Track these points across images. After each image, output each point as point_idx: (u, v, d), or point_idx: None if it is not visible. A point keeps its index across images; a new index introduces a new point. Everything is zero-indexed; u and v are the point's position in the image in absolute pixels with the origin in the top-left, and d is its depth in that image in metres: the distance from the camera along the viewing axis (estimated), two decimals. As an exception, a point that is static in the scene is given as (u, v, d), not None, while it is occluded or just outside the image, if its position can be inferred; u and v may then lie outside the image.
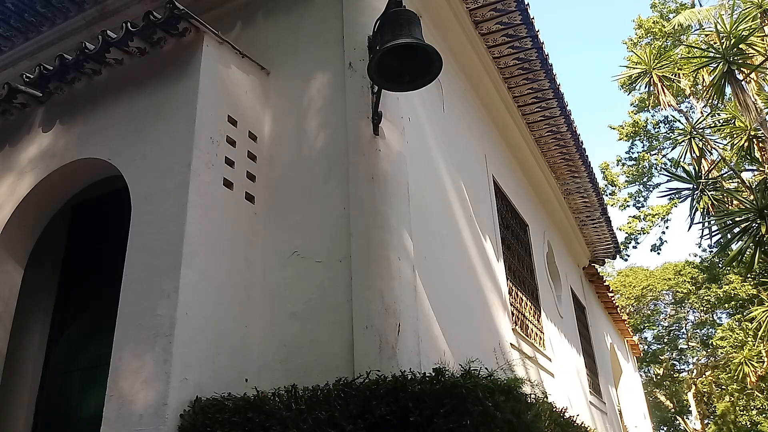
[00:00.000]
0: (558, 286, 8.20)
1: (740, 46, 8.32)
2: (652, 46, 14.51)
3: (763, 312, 10.10)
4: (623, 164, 21.95)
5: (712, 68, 8.81)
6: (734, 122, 9.41)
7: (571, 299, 9.00)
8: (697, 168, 9.08)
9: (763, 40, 9.03)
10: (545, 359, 6.16)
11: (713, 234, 8.10)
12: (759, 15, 9.00)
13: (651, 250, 22.04)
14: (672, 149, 18.86)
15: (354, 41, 3.95)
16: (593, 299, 11.35)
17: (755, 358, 15.46)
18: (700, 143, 9.33)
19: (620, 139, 21.13)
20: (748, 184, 9.41)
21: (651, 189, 21.55)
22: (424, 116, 4.51)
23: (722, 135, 9.80)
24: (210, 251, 3.36)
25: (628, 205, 21.96)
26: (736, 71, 8.51)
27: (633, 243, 21.65)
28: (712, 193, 8.74)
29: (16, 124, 4.40)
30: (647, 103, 18.22)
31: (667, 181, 12.64)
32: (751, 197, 7.61)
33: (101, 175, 4.09)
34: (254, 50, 4.26)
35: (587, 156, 8.07)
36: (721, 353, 20.31)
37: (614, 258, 12.02)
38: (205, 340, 3.16)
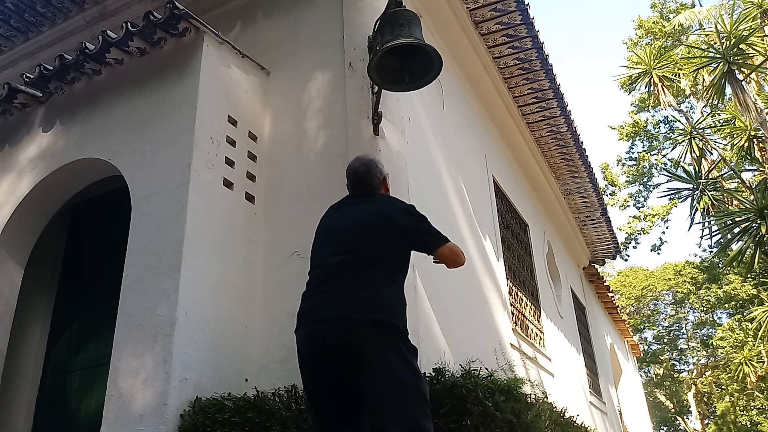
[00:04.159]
0: (558, 286, 8.20)
1: (740, 46, 8.30)
2: (652, 46, 14.50)
3: (763, 312, 10.09)
4: (623, 164, 21.93)
5: (712, 68, 8.79)
6: (734, 122, 9.39)
7: (571, 299, 9.00)
8: (697, 168, 9.06)
9: (763, 40, 9.01)
10: (545, 359, 6.16)
11: (713, 234, 8.08)
12: (759, 15, 8.98)
13: (651, 251, 22.04)
14: (672, 149, 18.83)
15: (354, 41, 3.95)
16: (593, 299, 11.35)
17: (755, 358, 15.44)
18: (700, 143, 9.31)
19: (620, 139, 21.10)
20: (748, 184, 9.39)
21: (651, 189, 21.52)
22: (424, 116, 4.51)
23: (722, 135, 9.78)
24: (210, 251, 3.36)
25: (628, 205, 21.94)
26: (736, 71, 8.50)
27: (633, 243, 21.64)
28: (712, 193, 8.73)
29: (16, 124, 4.40)
30: (647, 103, 18.20)
31: (667, 181, 12.62)
32: (751, 197, 7.60)
33: (101, 175, 4.09)
34: (254, 50, 4.26)
35: (587, 156, 8.07)
36: (721, 353, 20.29)
37: (614, 258, 12.02)
38: (205, 340, 3.17)
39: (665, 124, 20.40)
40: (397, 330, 2.19)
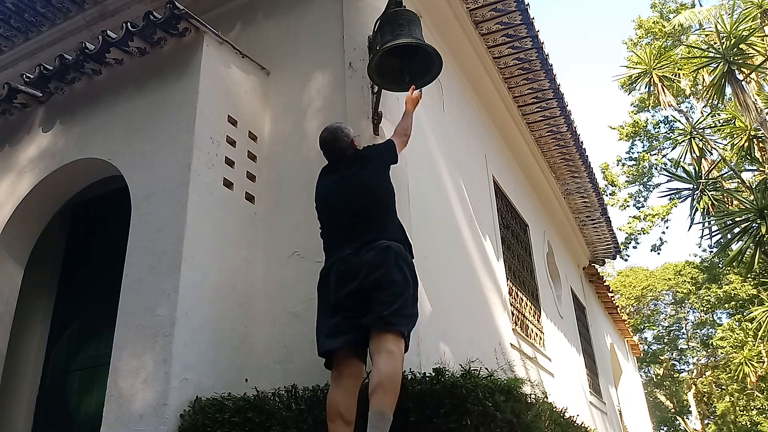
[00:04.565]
0: (558, 286, 8.20)
1: (740, 46, 8.30)
2: (652, 46, 14.50)
3: (763, 312, 10.08)
4: (623, 164, 21.93)
5: (712, 68, 8.79)
6: (734, 122, 9.38)
7: (571, 299, 9.00)
8: (697, 168, 9.06)
9: (763, 40, 9.01)
10: (545, 359, 6.16)
11: (713, 234, 8.08)
12: (759, 15, 8.99)
13: (651, 251, 22.06)
14: (672, 149, 18.84)
15: (354, 41, 3.95)
16: (593, 299, 11.35)
17: (755, 358, 15.43)
18: (700, 143, 9.31)
19: (620, 139, 21.12)
20: (748, 184, 9.38)
21: (651, 189, 21.53)
22: (424, 116, 4.51)
23: (722, 135, 9.78)
24: (210, 251, 3.36)
25: (628, 205, 21.94)
26: (736, 71, 8.50)
27: (633, 243, 21.65)
28: (712, 193, 8.72)
29: (16, 124, 4.40)
30: (647, 103, 18.21)
31: (667, 181, 12.58)
32: (751, 197, 7.58)
33: (101, 175, 4.09)
34: (254, 50, 4.26)
35: (587, 156, 8.07)
36: (721, 353, 20.28)
37: (614, 258, 12.02)
38: (205, 340, 3.16)
39: (665, 124, 20.42)
40: (402, 250, 2.72)
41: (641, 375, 21.65)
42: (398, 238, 2.79)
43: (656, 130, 20.82)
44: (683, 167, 9.38)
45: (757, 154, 9.19)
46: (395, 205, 2.93)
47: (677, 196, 9.06)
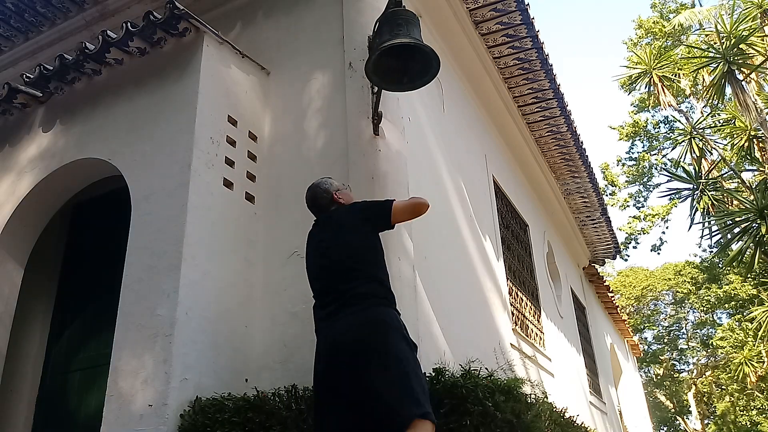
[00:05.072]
0: (558, 286, 8.20)
1: (740, 46, 8.30)
2: (652, 46, 14.49)
3: (763, 312, 10.08)
4: (623, 164, 21.93)
5: (712, 68, 8.79)
6: (734, 122, 9.39)
7: (571, 299, 9.00)
8: (697, 168, 9.06)
9: (763, 40, 9.01)
10: (545, 359, 6.16)
11: (713, 234, 8.07)
12: (759, 15, 8.99)
13: (651, 251, 22.07)
14: (672, 149, 18.84)
15: (354, 41, 3.95)
16: (593, 299, 11.35)
17: (755, 358, 15.42)
18: (700, 143, 9.31)
19: (620, 139, 21.11)
20: (748, 184, 9.39)
21: (651, 189, 21.53)
22: (424, 116, 4.51)
23: (722, 135, 9.78)
24: (210, 251, 3.36)
25: (628, 206, 21.94)
26: (736, 71, 8.50)
27: (633, 243, 21.65)
28: (712, 193, 8.72)
29: (16, 124, 4.40)
30: (647, 103, 18.20)
31: (667, 181, 12.58)
32: (751, 197, 7.58)
33: (101, 175, 4.09)
34: (254, 50, 4.26)
35: (587, 156, 8.07)
36: (721, 353, 20.28)
37: (614, 258, 12.02)
38: (205, 340, 3.17)
39: (665, 124, 20.41)
40: (390, 327, 2.48)
41: (641, 375, 21.65)
42: (382, 303, 2.54)
43: (656, 130, 20.82)
44: (683, 167, 9.38)
45: (757, 154, 9.19)
46: (384, 263, 2.69)
47: (677, 196, 9.06)
